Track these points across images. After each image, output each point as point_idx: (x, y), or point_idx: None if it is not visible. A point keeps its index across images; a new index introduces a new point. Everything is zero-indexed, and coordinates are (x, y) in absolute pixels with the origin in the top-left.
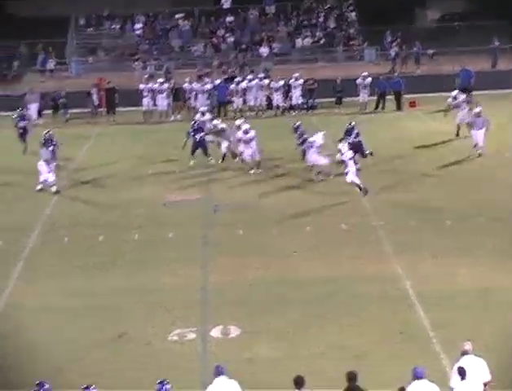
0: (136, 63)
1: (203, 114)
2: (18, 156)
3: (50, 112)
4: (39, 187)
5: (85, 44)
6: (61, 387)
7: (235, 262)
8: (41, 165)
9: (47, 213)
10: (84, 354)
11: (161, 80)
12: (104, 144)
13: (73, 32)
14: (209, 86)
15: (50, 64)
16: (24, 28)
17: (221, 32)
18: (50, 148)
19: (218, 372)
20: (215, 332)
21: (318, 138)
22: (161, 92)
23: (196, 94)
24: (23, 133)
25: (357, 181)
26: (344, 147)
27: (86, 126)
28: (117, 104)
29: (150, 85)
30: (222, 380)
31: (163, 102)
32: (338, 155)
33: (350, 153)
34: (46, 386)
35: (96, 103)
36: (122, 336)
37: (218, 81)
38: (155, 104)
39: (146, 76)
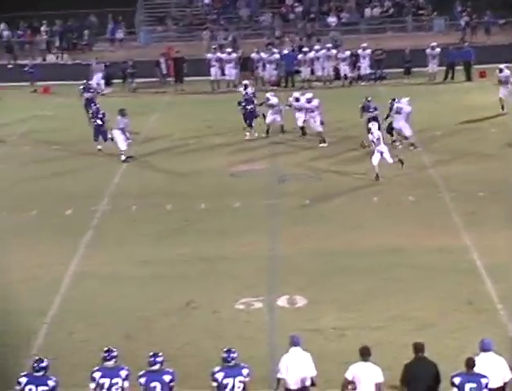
0: (204, 32)
1: (246, 87)
2: (85, 126)
3: (119, 81)
4: (123, 158)
5: (154, 13)
6: (129, 354)
7: (301, 232)
8: (117, 133)
9: (116, 181)
10: (151, 322)
11: (229, 49)
12: (172, 114)
13: (142, 1)
14: (277, 56)
15: (120, 34)
16: None
17: (289, 1)
18: (126, 119)
19: (294, 343)
20: (282, 302)
21: (405, 105)
22: (228, 61)
23: (264, 64)
24: (87, 104)
25: (376, 168)
26: (374, 126)
27: (154, 96)
28: (185, 74)
29: (218, 54)
30: (297, 351)
31: (231, 71)
32: (369, 135)
33: (378, 133)
34: (114, 353)
35: (164, 72)
36: (189, 304)
37: (285, 51)
38: (223, 74)
39: (214, 45)
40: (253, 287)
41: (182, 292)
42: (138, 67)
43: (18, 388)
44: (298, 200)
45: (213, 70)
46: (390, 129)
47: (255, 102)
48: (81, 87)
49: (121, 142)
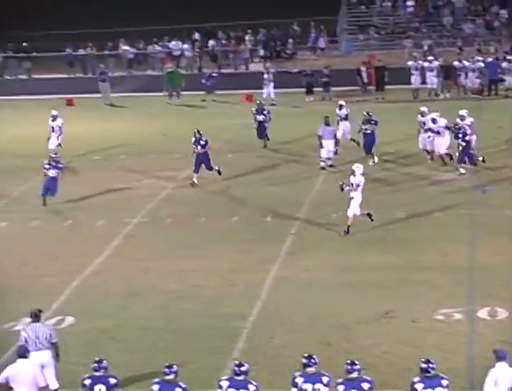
0: (406, 40)
1: (341, 107)
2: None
3: (319, 89)
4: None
5: (356, 22)
6: (327, 361)
7: (503, 243)
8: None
9: (316, 188)
10: (350, 330)
11: (430, 57)
12: None
13: (346, 10)
14: (480, 64)
15: (322, 42)
16: (297, 6)
17: (494, 9)
18: (331, 127)
19: (500, 357)
20: (482, 313)
21: None
22: (430, 70)
23: (467, 73)
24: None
25: (349, 220)
26: (359, 168)
27: (355, 104)
28: (387, 82)
29: (419, 62)
30: (502, 366)
31: (432, 79)
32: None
33: (361, 178)
34: (314, 360)
35: (365, 80)
36: (389, 312)
37: (489, 59)
38: (424, 82)
39: (415, 53)
40: (452, 297)
41: (380, 300)
42: (338, 75)
43: None
44: (500, 211)
45: (413, 78)
46: None
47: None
48: (255, 109)
49: (322, 151)
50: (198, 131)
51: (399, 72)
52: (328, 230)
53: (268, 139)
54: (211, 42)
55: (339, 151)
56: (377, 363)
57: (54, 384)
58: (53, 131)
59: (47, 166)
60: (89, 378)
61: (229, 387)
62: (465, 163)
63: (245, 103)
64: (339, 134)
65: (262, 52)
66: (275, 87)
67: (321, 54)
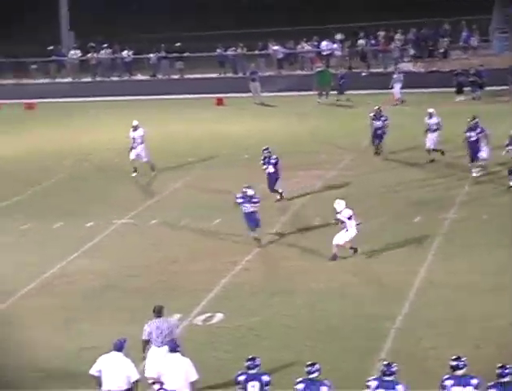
0: None
1: (430, 116)
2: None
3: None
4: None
5: (509, 21)
6: (477, 364)
7: None
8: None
9: (466, 189)
10: (500, 334)
11: None
12: None
13: (499, 8)
14: None
15: (474, 41)
16: (449, 5)
17: None
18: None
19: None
20: None
21: None
22: None
23: None
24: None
25: (334, 249)
26: (341, 205)
27: (505, 104)
28: None
29: None
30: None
31: None
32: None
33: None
34: (463, 362)
35: None
36: None
37: None
38: None
39: None
40: None
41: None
42: (486, 75)
43: None
44: None
45: None
46: None
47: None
48: (372, 114)
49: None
50: (266, 149)
51: None
52: (477, 232)
53: (380, 147)
54: (360, 42)
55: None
56: None
57: None
58: (134, 142)
59: (241, 200)
60: (243, 374)
61: (377, 387)
62: None
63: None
64: (428, 144)
65: (412, 51)
66: (425, 87)
67: (473, 53)
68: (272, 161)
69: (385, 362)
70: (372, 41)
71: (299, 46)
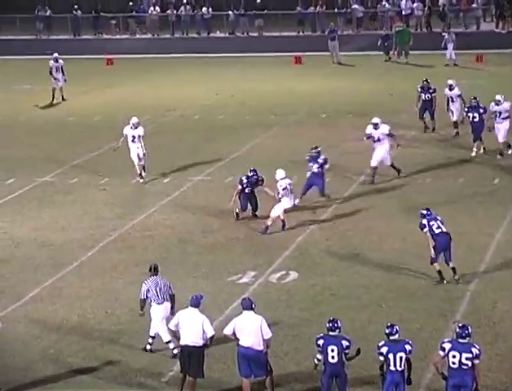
0: None
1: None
2: None
3: None
4: None
5: None
6: None
7: None
8: None
9: None
10: None
11: None
12: None
13: None
14: None
15: None
16: None
17: None
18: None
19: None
20: None
21: None
22: None
23: None
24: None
25: (269, 221)
26: (281, 173)
27: None
28: None
29: None
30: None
31: None
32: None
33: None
34: None
35: None
36: None
37: None
38: None
39: None
40: None
41: None
42: None
43: (442, 353)
44: None
45: None
46: None
47: None
48: (419, 86)
49: None
50: (316, 147)
51: None
52: None
53: (433, 123)
54: (441, 1)
55: None
56: None
57: (166, 337)
58: (133, 141)
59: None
60: (322, 338)
61: (451, 349)
62: None
63: (476, 63)
64: (453, 117)
65: (494, 11)
66: (506, 47)
67: None
68: (320, 161)
69: (460, 324)
70: (454, 1)
71: (379, 5)
